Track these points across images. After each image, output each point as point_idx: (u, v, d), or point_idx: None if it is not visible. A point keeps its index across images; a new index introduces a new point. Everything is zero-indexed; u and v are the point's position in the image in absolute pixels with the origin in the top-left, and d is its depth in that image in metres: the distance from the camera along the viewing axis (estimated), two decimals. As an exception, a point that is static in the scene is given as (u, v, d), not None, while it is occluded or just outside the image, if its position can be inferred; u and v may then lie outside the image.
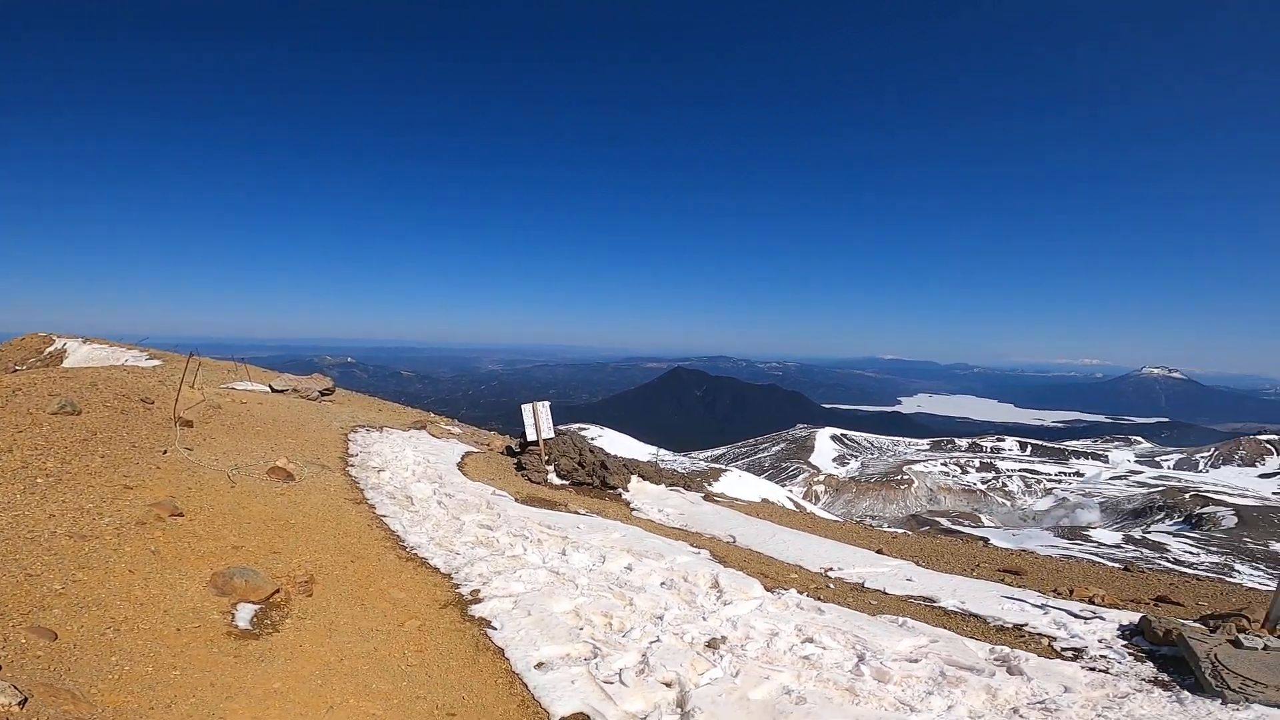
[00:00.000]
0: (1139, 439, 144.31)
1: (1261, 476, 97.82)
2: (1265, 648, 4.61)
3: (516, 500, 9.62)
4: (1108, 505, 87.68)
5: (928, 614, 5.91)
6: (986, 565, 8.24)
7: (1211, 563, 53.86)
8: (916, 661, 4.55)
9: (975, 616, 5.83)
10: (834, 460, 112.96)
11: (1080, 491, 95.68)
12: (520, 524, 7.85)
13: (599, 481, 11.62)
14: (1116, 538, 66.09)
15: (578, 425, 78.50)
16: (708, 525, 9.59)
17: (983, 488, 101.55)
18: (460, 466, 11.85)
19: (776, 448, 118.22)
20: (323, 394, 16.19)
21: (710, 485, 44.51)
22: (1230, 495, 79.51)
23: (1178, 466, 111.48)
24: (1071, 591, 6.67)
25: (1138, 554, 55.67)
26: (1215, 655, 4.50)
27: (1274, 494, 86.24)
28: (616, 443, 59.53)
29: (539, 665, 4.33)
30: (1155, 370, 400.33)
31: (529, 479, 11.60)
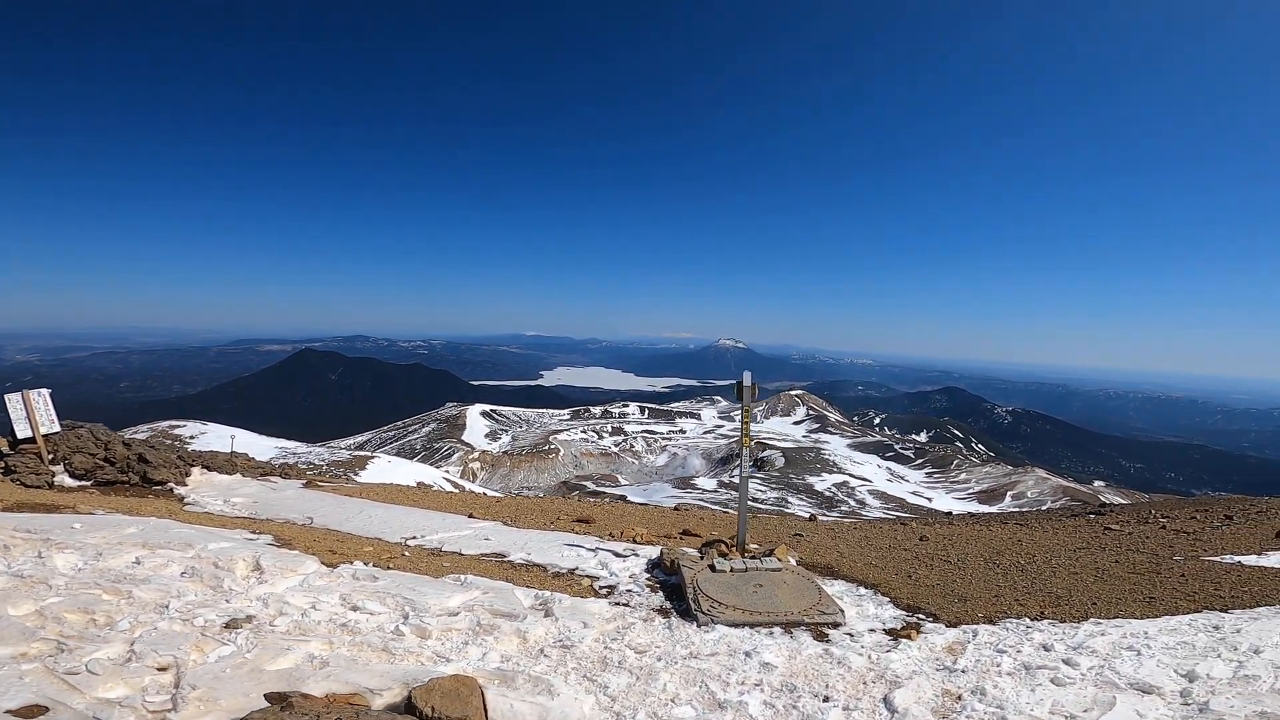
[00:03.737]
0: (719, 398, 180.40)
1: (794, 424, 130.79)
2: (732, 570, 5.39)
3: (-9, 512, 7.03)
4: (706, 455, 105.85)
5: (496, 569, 6.08)
6: (565, 517, 9.00)
7: (774, 498, 68.49)
8: (457, 615, 4.63)
9: (538, 566, 6.21)
10: (486, 436, 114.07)
11: (685, 446, 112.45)
12: (-23, 536, 5.73)
13: (139, 478, 9.32)
14: (714, 483, 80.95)
15: (169, 423, 63.78)
16: (284, 510, 8.57)
17: (616, 450, 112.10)
18: (-110, 481, 8.26)
19: (427, 428, 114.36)
20: None
21: (357, 475, 40.66)
22: (779, 441, 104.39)
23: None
24: (621, 533, 7.51)
25: (730, 495, 68.29)
26: (697, 580, 5.17)
27: (803, 437, 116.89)
28: (227, 439, 50.00)
29: (-27, 668, 3.40)
30: (727, 341, 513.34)
31: (22, 483, 8.72)
